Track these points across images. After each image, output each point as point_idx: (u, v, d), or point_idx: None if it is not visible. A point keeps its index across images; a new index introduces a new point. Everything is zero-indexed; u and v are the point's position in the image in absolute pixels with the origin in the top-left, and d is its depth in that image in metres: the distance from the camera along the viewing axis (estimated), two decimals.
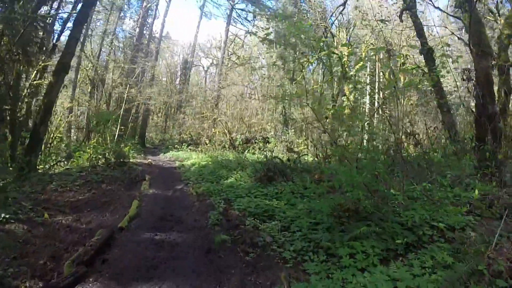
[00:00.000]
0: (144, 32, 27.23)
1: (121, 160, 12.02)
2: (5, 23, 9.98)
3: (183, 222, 5.93)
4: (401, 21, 19.82)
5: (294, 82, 23.67)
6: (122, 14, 26.92)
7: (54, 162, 10.93)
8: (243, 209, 6.70)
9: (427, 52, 13.89)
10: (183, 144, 20.49)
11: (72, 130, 20.97)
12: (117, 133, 14.50)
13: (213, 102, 23.11)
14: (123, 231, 5.25)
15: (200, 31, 31.03)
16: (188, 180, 10.22)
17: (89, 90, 24.35)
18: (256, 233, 5.13)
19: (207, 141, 20.20)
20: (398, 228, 4.28)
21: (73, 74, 23.62)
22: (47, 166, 10.89)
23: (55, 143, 13.35)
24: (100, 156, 11.18)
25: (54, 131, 13.75)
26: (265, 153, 17.79)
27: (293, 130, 22.18)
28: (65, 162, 12.13)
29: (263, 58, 31.46)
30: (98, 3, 23.49)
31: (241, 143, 19.80)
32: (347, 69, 25.32)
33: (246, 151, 18.68)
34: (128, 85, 17.21)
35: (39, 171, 10.63)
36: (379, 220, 4.35)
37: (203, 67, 38.56)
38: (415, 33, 16.35)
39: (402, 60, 23.35)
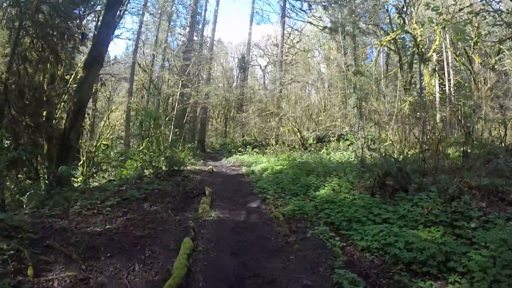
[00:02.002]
0: (195, 38, 25.19)
1: (174, 168, 9.38)
2: (18, 7, 7.90)
3: None
4: None
5: (357, 73, 20.22)
6: (172, 23, 25.42)
7: (90, 174, 8.58)
8: (378, 249, 3.49)
9: None
10: (247, 146, 17.60)
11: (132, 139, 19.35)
12: (171, 137, 11.99)
13: (277, 98, 20.03)
14: None
15: (253, 32, 28.75)
16: (264, 192, 7.15)
17: (144, 97, 23.04)
18: None
19: (274, 142, 17.18)
20: None
21: (128, 84, 22.56)
22: (84, 179, 8.61)
23: (99, 152, 11.22)
24: (147, 164, 8.59)
25: (98, 138, 11.68)
26: (359, 148, 14.44)
27: (371, 125, 18.49)
28: (113, 173, 9.87)
29: (322, 50, 28.35)
30: (146, 14, 22.30)
31: (314, 142, 16.48)
32: (423, 49, 21.15)
33: (322, 151, 15.39)
34: (180, 82, 14.64)
35: (76, 184, 8.40)
36: None
37: (260, 67, 35.64)
38: None
39: (475, 38, 18.98)
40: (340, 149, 16.19)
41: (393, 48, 23.56)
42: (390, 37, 23.25)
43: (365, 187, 6.28)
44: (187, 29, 23.80)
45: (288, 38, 29.36)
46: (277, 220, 4.99)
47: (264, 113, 19.14)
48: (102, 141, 11.22)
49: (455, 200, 4.76)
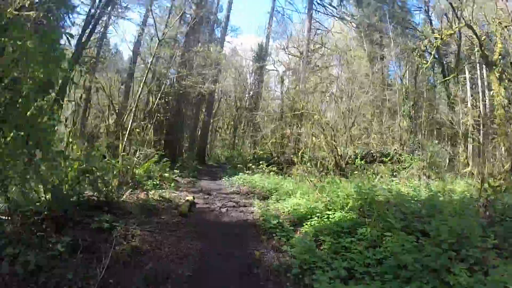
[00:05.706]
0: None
1: (100, 198, 3.94)
2: None
3: None
4: None
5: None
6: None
7: None
8: None
9: None
10: (260, 162, 11.94)
11: None
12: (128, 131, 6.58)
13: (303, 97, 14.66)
14: None
15: (270, 38, 23.77)
16: None
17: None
18: None
19: (300, 159, 11.58)
20: None
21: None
22: None
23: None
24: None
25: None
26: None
27: (436, 141, 13.64)
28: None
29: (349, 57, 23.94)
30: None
31: (360, 162, 10.86)
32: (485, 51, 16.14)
33: (377, 178, 9.92)
34: (157, 43, 8.92)
35: None
36: None
37: (277, 71, 30.21)
38: None
39: None
40: (394, 174, 10.79)
41: (433, 55, 18.63)
42: (453, 30, 18.18)
43: None
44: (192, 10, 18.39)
45: (315, 35, 24.46)
46: None
47: (289, 114, 13.67)
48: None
49: None
